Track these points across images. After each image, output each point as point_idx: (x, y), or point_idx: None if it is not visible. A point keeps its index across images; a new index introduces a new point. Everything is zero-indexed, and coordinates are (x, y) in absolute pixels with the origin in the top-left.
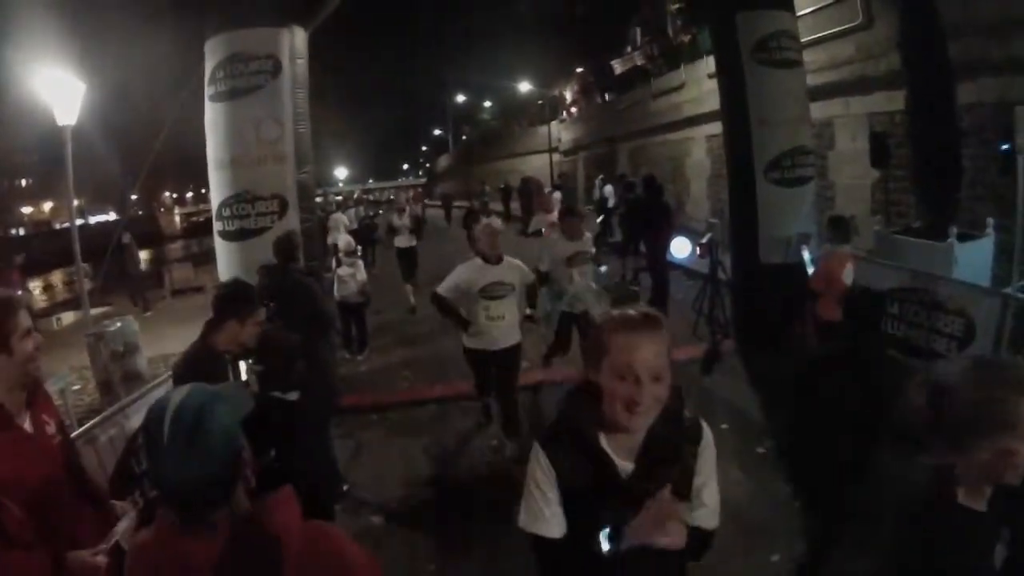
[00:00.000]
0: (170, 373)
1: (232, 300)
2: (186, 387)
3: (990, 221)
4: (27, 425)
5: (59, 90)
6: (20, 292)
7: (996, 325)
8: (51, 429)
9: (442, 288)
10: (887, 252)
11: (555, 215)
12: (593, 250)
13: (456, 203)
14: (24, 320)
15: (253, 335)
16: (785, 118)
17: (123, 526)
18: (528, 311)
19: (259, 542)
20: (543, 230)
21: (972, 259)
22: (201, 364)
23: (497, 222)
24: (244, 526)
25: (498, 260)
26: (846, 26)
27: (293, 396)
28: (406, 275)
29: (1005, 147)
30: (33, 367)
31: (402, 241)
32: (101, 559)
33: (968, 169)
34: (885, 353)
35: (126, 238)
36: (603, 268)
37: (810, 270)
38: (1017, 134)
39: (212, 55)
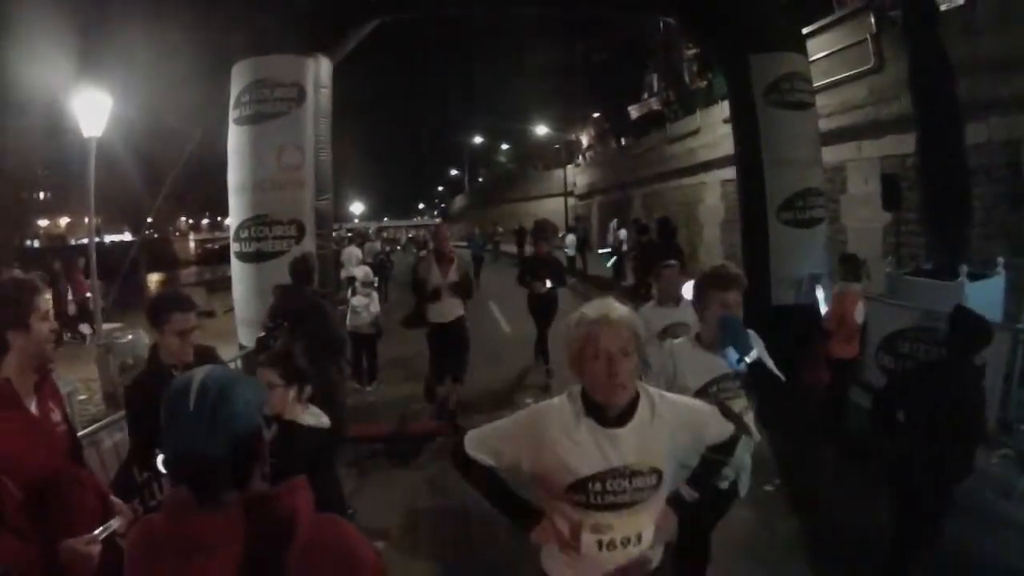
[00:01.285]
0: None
1: (149, 309)
2: (207, 366)
3: (1000, 260)
4: (33, 409)
5: (86, 102)
6: (85, 294)
7: (1006, 361)
8: (56, 416)
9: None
10: (898, 294)
11: None
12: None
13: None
14: (44, 303)
15: (177, 345)
16: (797, 159)
17: (118, 521)
18: None
19: (271, 523)
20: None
21: (983, 298)
22: (147, 382)
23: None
24: (258, 506)
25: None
26: (858, 70)
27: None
28: (449, 365)
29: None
30: (48, 350)
31: (445, 311)
32: (94, 548)
33: (978, 208)
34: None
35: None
36: None
37: (823, 309)
38: None
39: (239, 79)
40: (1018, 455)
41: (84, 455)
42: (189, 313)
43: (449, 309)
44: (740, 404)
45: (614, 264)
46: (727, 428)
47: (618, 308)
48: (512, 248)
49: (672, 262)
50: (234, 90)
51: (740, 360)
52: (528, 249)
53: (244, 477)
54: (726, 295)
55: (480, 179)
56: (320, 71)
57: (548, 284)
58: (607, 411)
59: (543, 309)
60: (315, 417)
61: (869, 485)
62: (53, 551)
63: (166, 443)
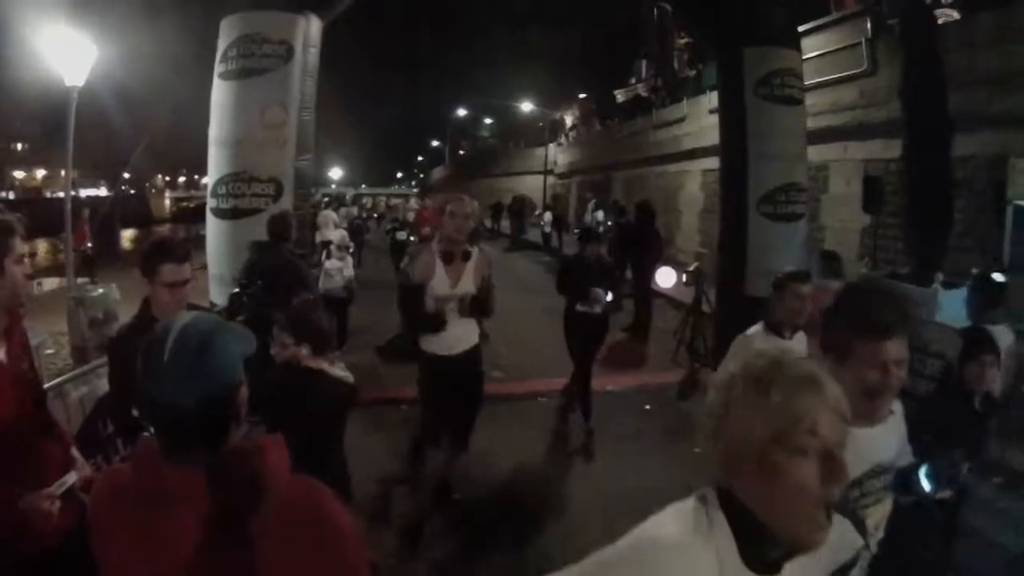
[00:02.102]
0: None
1: (141, 258)
2: (193, 313)
3: (974, 271)
4: (2, 355)
5: (69, 50)
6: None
7: None
8: (24, 365)
9: None
10: None
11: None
12: None
13: None
14: (19, 245)
15: (167, 298)
16: (782, 153)
17: (74, 476)
18: None
19: (241, 480)
20: None
21: (955, 306)
22: (133, 335)
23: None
24: (229, 461)
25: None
26: (851, 72)
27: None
28: (452, 422)
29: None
30: (22, 294)
31: (452, 338)
32: (55, 504)
33: (958, 220)
34: None
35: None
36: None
37: None
38: (1010, 184)
39: (227, 33)
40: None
41: (49, 407)
42: (183, 265)
43: (459, 336)
44: (879, 513)
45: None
46: (856, 543)
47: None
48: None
49: (804, 272)
50: (221, 44)
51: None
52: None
53: (218, 431)
54: (885, 346)
55: (461, 152)
56: (310, 30)
57: (608, 298)
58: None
59: (590, 335)
60: (343, 371)
61: None
62: (16, 501)
63: (141, 391)
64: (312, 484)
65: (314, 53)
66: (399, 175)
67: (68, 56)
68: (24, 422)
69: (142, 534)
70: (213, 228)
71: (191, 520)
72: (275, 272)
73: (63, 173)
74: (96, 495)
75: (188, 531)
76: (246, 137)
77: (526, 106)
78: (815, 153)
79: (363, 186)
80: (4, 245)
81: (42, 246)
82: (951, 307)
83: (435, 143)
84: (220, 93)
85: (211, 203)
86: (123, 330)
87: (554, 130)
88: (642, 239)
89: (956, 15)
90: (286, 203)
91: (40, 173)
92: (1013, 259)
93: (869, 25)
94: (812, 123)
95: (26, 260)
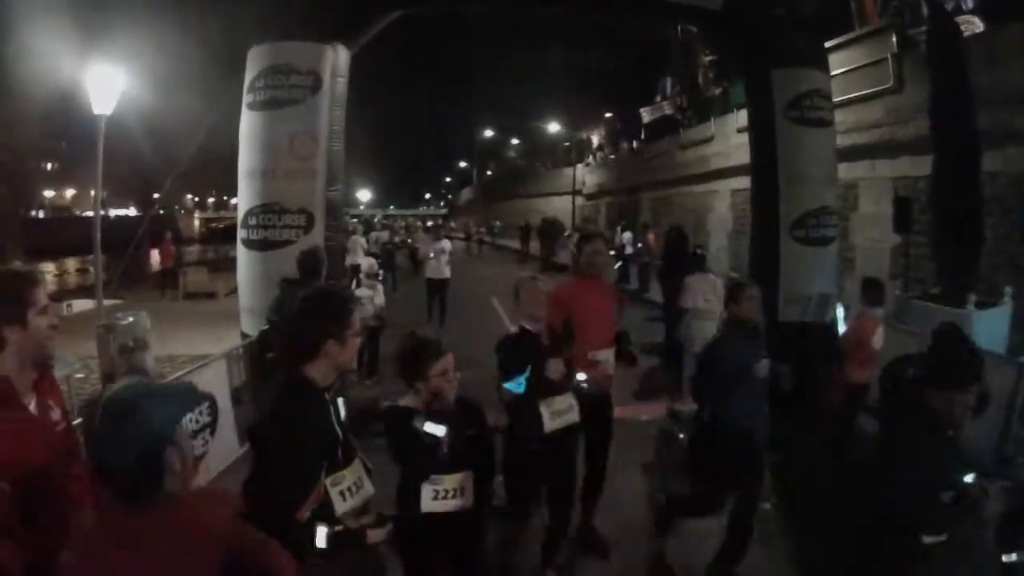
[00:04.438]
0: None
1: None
2: (126, 380)
3: (1008, 290)
4: (32, 407)
5: (98, 79)
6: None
7: (1010, 394)
8: (56, 415)
9: None
10: (905, 317)
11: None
12: None
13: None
14: (42, 296)
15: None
16: (813, 177)
17: None
18: None
19: (179, 525)
20: None
21: (989, 327)
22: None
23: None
24: (165, 509)
25: None
26: (877, 88)
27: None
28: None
29: None
30: (48, 346)
31: None
32: None
33: (989, 238)
34: None
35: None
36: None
37: (841, 329)
38: None
39: (254, 63)
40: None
41: (80, 449)
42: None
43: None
44: None
45: (619, 269)
46: None
47: None
48: (515, 243)
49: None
50: (249, 74)
51: None
52: (533, 245)
53: (153, 484)
54: None
55: (488, 172)
56: (338, 60)
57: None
58: None
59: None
60: None
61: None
62: (47, 552)
63: (86, 451)
64: (250, 532)
65: (342, 83)
66: (427, 196)
67: (98, 85)
68: (53, 474)
69: (98, 568)
70: (244, 259)
71: (144, 566)
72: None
73: (92, 192)
74: (76, 544)
75: (135, 570)
76: (276, 168)
77: (552, 126)
78: (843, 171)
79: (391, 207)
80: (27, 297)
81: (72, 264)
82: (985, 328)
83: (462, 164)
84: (249, 123)
85: (241, 234)
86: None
87: (581, 150)
88: (674, 264)
89: (980, 24)
90: (317, 234)
91: (70, 192)
92: None
93: (894, 40)
94: (839, 141)
95: (51, 309)
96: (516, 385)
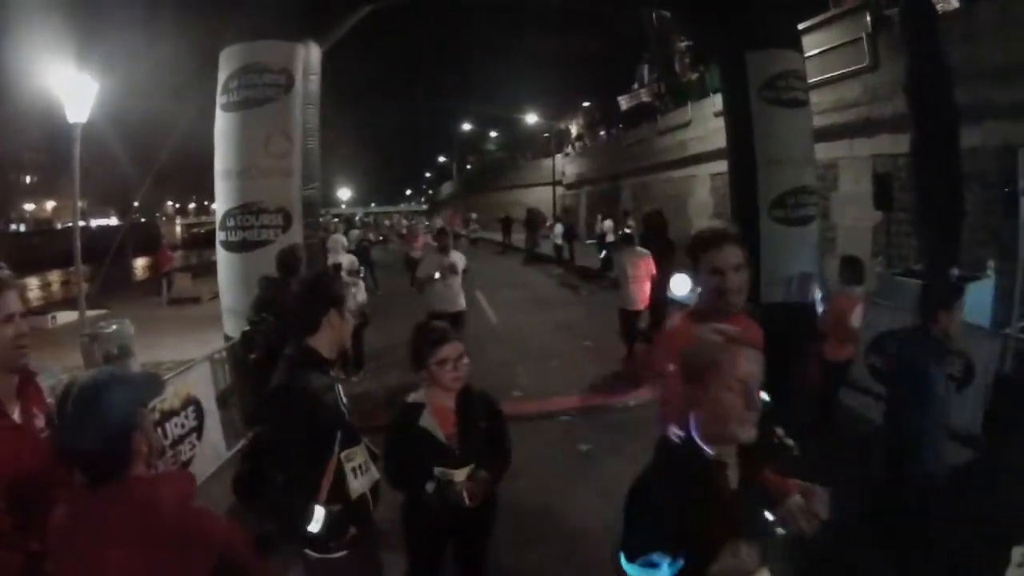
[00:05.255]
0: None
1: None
2: (93, 369)
3: (991, 263)
4: (16, 415)
5: (72, 87)
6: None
7: (995, 367)
8: (40, 422)
9: None
10: (888, 294)
11: None
12: None
13: None
14: (10, 303)
15: None
16: (790, 157)
17: None
18: None
19: (133, 505)
20: None
21: (972, 301)
22: None
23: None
24: (126, 489)
25: None
26: (853, 68)
27: None
28: None
29: (1007, 190)
30: (18, 354)
31: None
32: None
33: (970, 212)
34: None
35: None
36: None
37: (819, 309)
38: (1020, 175)
39: (227, 64)
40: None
41: None
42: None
43: None
44: None
45: (603, 257)
46: None
47: None
48: (496, 236)
49: None
50: (222, 76)
51: None
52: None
53: (119, 467)
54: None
55: (468, 166)
56: (309, 58)
57: None
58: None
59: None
60: None
61: (852, 482)
62: (38, 560)
63: (55, 439)
64: (209, 513)
65: (315, 81)
66: (408, 192)
67: (71, 93)
68: (40, 481)
69: (67, 553)
70: (223, 261)
71: (109, 545)
72: (283, 308)
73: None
74: (49, 528)
75: (98, 549)
76: (251, 167)
77: (531, 117)
78: (822, 151)
79: (372, 205)
80: None
81: (55, 276)
82: (968, 302)
83: (442, 159)
84: (223, 125)
85: (220, 236)
86: None
87: (560, 140)
88: (654, 250)
89: (955, 2)
90: (295, 233)
91: (50, 204)
92: None
93: (869, 19)
94: (818, 121)
95: (18, 319)
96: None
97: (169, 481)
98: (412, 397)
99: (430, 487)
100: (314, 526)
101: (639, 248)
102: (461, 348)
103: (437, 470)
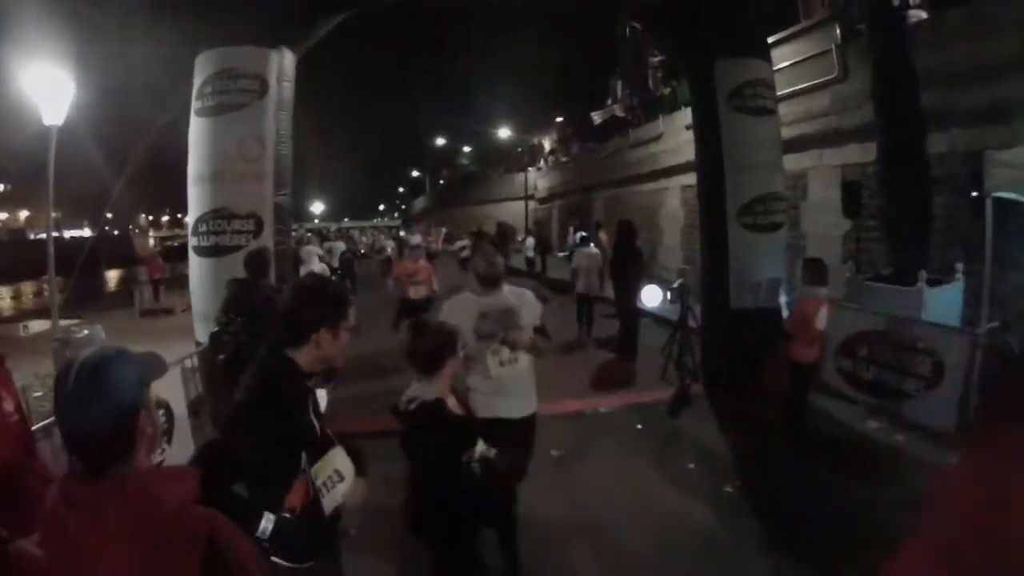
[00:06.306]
0: None
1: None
2: (97, 347)
3: (959, 266)
4: None
5: (48, 88)
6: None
7: (965, 365)
8: (9, 406)
9: None
10: (858, 299)
11: None
12: None
13: None
14: None
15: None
16: (758, 164)
17: None
18: None
19: (136, 499)
20: None
21: (942, 303)
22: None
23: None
24: (132, 484)
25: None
26: (823, 79)
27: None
28: None
29: (974, 194)
30: None
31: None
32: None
33: (938, 216)
34: None
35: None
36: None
37: (785, 313)
38: (987, 177)
39: (202, 69)
40: None
41: (37, 447)
42: None
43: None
44: None
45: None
46: None
47: None
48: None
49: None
50: (197, 80)
51: None
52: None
53: (123, 452)
54: None
55: (442, 181)
56: (284, 64)
57: None
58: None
59: None
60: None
61: (827, 484)
62: (3, 542)
63: (56, 419)
64: (217, 516)
65: (288, 87)
66: (381, 207)
67: (47, 94)
68: (7, 464)
69: (58, 541)
70: (196, 267)
71: (96, 536)
72: (253, 308)
73: (47, 213)
74: (38, 516)
75: (92, 540)
76: (224, 172)
77: (504, 132)
78: (792, 162)
79: (345, 219)
80: None
81: (28, 287)
82: (937, 304)
83: (415, 173)
84: (197, 130)
85: (192, 241)
86: None
87: (533, 155)
88: (623, 259)
89: (924, 15)
90: (267, 239)
91: (23, 214)
92: (996, 252)
93: (839, 31)
94: (787, 132)
95: None
96: None
97: (172, 476)
98: (424, 394)
99: (476, 466)
100: (262, 533)
101: (591, 247)
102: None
103: (478, 450)
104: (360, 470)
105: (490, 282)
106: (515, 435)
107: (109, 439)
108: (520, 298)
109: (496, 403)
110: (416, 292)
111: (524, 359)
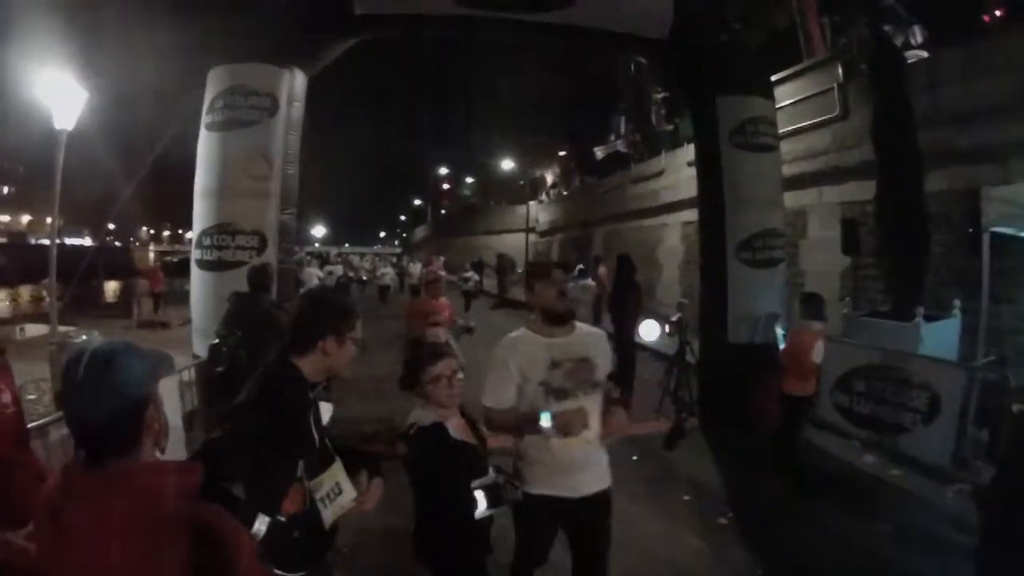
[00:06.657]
0: None
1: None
2: (105, 339)
3: (956, 302)
4: None
5: (60, 93)
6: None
7: (962, 399)
8: (7, 398)
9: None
10: (855, 335)
11: None
12: None
13: None
14: None
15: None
16: (758, 200)
17: None
18: None
19: (139, 491)
20: None
21: (938, 339)
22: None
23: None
24: (134, 476)
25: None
26: (824, 117)
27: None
28: None
29: (971, 231)
30: None
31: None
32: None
33: (935, 254)
34: None
35: None
36: None
37: (781, 347)
38: (983, 213)
39: (214, 84)
40: (973, 489)
41: (31, 445)
42: None
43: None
44: None
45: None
46: None
47: None
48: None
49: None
50: (208, 95)
51: None
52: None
53: (130, 445)
54: None
55: (443, 211)
56: (295, 84)
57: None
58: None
59: None
60: None
61: (822, 518)
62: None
63: (63, 408)
64: (218, 512)
65: (298, 107)
66: (382, 234)
67: (58, 99)
68: (3, 457)
69: (57, 530)
70: (197, 280)
71: (97, 526)
72: (253, 323)
73: (48, 220)
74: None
75: (91, 531)
76: (230, 188)
77: (507, 164)
78: (792, 199)
79: (346, 244)
80: None
81: (25, 292)
82: (935, 340)
83: (417, 202)
84: (206, 144)
85: (196, 255)
86: None
87: (535, 188)
88: (622, 293)
89: (925, 54)
90: (270, 256)
91: (25, 218)
92: (992, 287)
93: (840, 71)
94: (788, 170)
95: None
96: None
97: (176, 470)
98: (421, 418)
99: (482, 494)
100: (255, 535)
101: (588, 280)
102: (455, 364)
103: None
104: (375, 471)
105: (562, 319)
106: (584, 517)
107: (115, 430)
108: (596, 344)
109: (553, 478)
110: (436, 335)
111: (595, 422)
